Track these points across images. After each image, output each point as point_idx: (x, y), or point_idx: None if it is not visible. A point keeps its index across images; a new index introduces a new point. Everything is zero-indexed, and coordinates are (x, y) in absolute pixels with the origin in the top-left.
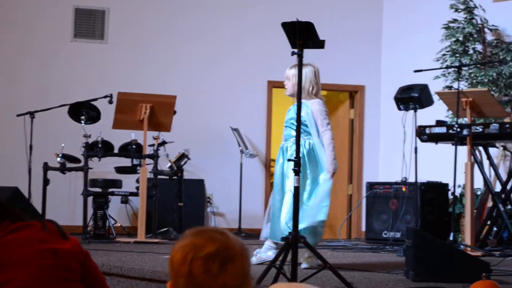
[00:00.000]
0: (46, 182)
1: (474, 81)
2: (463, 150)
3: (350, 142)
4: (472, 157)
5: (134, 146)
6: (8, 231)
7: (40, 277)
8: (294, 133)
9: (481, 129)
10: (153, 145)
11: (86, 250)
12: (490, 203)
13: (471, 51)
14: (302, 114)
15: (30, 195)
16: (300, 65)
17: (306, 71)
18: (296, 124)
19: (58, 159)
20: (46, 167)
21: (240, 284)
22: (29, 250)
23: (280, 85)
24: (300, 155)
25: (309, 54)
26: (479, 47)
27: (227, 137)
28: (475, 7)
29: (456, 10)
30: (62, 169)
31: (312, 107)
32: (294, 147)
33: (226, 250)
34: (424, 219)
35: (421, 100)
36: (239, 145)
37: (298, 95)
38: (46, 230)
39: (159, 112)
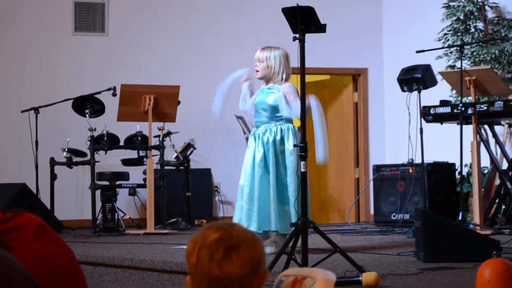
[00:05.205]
0: (53, 177)
1: (477, 59)
2: (469, 129)
3: (355, 126)
4: (477, 135)
5: (139, 138)
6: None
7: None
8: (264, 118)
9: (485, 108)
10: (158, 136)
11: None
12: (497, 181)
13: (472, 30)
14: (275, 97)
15: (38, 191)
16: (302, 51)
17: (276, 54)
18: (266, 109)
19: (65, 153)
20: (53, 162)
21: (249, 274)
22: None
23: None
24: (270, 143)
25: (310, 38)
26: (480, 25)
27: (232, 125)
28: None
29: None
30: (69, 163)
31: (284, 90)
32: (267, 133)
33: (229, 238)
34: (432, 200)
35: (425, 80)
36: (244, 133)
37: (302, 79)
38: None
39: (163, 102)
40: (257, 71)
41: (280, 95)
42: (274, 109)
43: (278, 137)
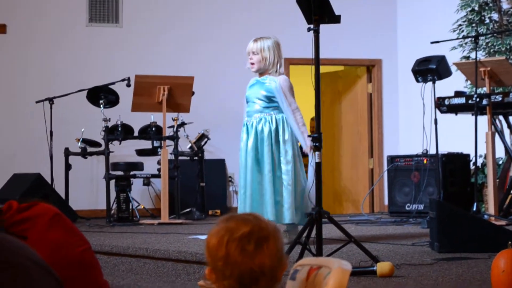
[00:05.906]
0: (68, 167)
1: (492, 50)
2: (483, 120)
3: (369, 116)
4: (492, 126)
5: (153, 128)
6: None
7: None
8: (258, 107)
9: (500, 98)
10: (172, 126)
11: None
12: None
13: (487, 20)
14: (272, 87)
15: (53, 181)
16: (317, 41)
17: (270, 44)
18: (261, 99)
19: (79, 144)
20: (68, 153)
21: (277, 265)
22: None
23: (298, 62)
24: (265, 133)
25: (324, 29)
26: (495, 16)
27: None
28: None
29: None
30: (83, 153)
31: (281, 83)
32: (262, 123)
33: (260, 231)
34: (447, 190)
35: (439, 71)
36: None
37: (316, 70)
38: None
39: (177, 93)
40: (252, 63)
41: (277, 86)
42: (269, 98)
43: (273, 127)
